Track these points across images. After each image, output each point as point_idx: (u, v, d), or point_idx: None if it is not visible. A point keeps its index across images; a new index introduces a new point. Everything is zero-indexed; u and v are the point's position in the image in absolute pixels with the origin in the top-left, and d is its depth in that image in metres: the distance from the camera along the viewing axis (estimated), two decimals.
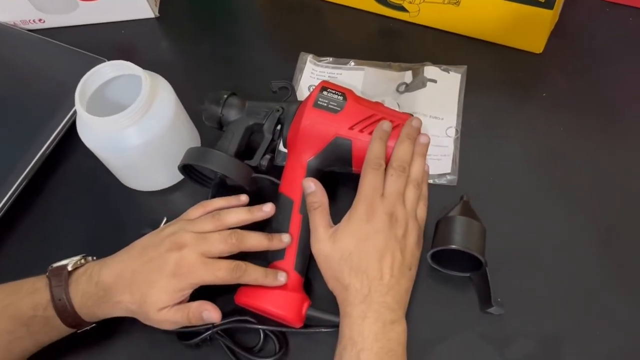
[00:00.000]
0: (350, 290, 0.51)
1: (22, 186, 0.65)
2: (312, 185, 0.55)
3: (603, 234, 0.58)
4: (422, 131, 0.58)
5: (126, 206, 0.66)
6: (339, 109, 0.58)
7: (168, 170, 0.65)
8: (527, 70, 0.69)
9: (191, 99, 0.65)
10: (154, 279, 0.51)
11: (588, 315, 0.55)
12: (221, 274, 0.51)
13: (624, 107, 0.65)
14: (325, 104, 0.58)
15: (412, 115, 0.59)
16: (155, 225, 0.61)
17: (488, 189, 0.61)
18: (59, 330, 0.52)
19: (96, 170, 0.68)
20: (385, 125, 0.56)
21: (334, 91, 0.59)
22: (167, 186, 0.67)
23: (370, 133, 0.57)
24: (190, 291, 0.52)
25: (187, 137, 0.64)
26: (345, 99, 0.58)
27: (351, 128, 0.57)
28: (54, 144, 0.68)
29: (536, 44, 0.68)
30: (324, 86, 0.59)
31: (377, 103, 0.60)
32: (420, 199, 0.56)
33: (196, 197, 0.65)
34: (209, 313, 0.52)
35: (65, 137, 0.69)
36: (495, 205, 0.60)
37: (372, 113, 0.58)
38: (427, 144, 0.58)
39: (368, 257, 0.51)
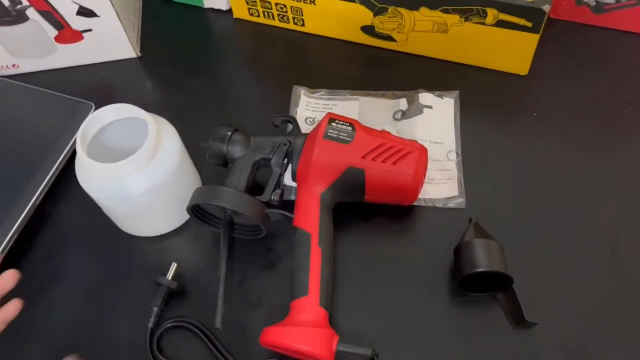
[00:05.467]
0: None
1: (11, 243, 0.61)
2: None
3: (611, 243, 0.60)
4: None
5: (127, 253, 0.64)
6: (349, 139, 0.58)
7: (170, 215, 0.63)
8: (515, 92, 0.71)
9: (184, 139, 0.63)
10: None
11: (609, 327, 0.56)
12: None
13: (610, 120, 0.69)
14: (335, 135, 0.58)
15: (419, 143, 0.60)
16: (163, 272, 0.59)
17: (496, 208, 0.63)
18: None
19: (90, 218, 0.65)
20: None
21: (342, 122, 0.59)
22: (167, 231, 0.64)
23: (383, 161, 0.57)
24: None
25: (191, 180, 0.63)
26: (354, 129, 0.58)
27: (363, 157, 0.57)
28: (43, 194, 0.65)
29: (522, 66, 0.71)
30: (332, 118, 0.59)
31: (383, 131, 0.60)
32: None
33: (200, 240, 0.63)
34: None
35: (55, 185, 0.66)
36: (504, 224, 0.61)
37: (383, 142, 0.58)
38: None
39: None
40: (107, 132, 0.59)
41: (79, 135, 0.55)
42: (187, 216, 0.63)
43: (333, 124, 0.59)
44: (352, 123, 0.59)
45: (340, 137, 0.58)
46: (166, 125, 0.59)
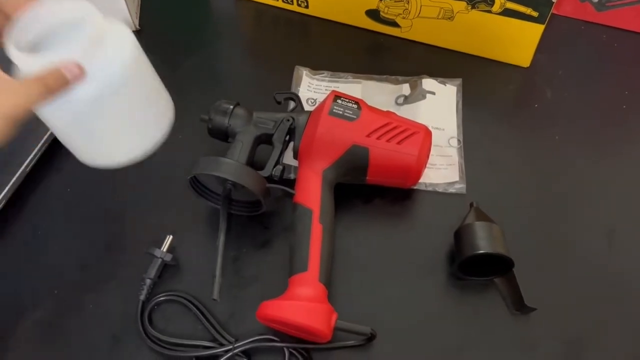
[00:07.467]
0: None
1: None
2: None
3: (609, 233, 0.60)
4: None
5: (120, 225, 0.62)
6: (355, 117, 0.57)
7: (127, 138, 0.51)
8: (517, 83, 0.72)
9: (181, 113, 0.61)
10: None
11: (606, 315, 0.56)
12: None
13: (610, 114, 0.69)
14: (340, 112, 0.57)
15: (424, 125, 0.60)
16: (157, 245, 0.57)
17: (496, 195, 0.62)
18: None
19: (83, 189, 0.63)
20: None
21: (347, 100, 0.58)
22: (127, 160, 0.50)
23: (388, 140, 0.56)
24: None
25: (153, 98, 0.52)
26: (359, 107, 0.58)
27: (368, 136, 0.56)
28: (34, 161, 0.63)
29: (524, 58, 0.71)
30: (337, 95, 0.58)
31: (388, 112, 0.60)
32: None
33: (196, 216, 0.62)
34: (72, 68, 0.42)
35: (47, 155, 0.64)
36: (504, 211, 0.60)
37: (388, 121, 0.57)
38: None
39: None
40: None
41: (11, 31, 0.43)
42: (148, 145, 0.51)
43: (338, 101, 0.58)
44: (357, 101, 0.58)
45: (345, 114, 0.57)
46: (118, 25, 0.48)
